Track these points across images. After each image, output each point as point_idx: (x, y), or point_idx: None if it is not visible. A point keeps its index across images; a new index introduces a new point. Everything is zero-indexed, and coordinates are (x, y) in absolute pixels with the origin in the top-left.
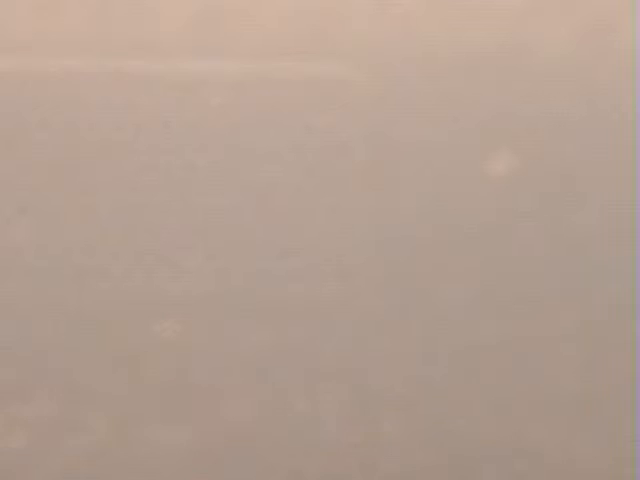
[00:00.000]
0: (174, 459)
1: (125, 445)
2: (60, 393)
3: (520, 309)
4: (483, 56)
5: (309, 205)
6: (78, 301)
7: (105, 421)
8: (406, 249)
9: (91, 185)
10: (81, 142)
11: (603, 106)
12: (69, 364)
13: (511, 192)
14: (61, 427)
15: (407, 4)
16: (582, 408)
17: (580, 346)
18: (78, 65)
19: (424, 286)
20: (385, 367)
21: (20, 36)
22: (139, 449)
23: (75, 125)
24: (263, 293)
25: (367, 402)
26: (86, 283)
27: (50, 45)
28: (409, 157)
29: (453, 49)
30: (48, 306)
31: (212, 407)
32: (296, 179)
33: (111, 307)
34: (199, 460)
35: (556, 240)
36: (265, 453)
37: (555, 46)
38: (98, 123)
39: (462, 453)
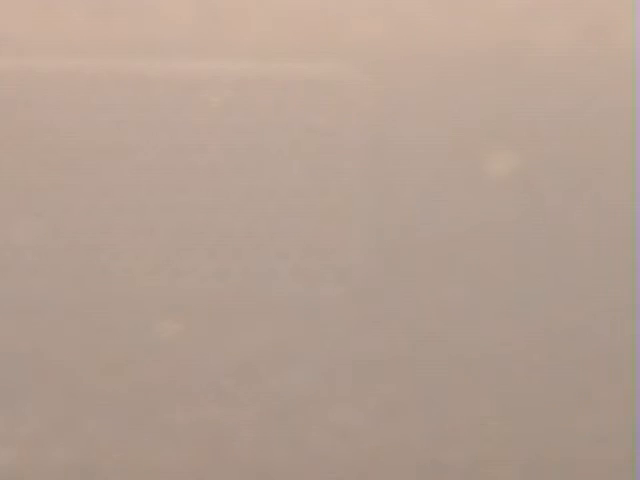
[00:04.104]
0: (174, 458)
1: (124, 444)
2: (60, 392)
3: (520, 308)
4: (483, 56)
5: (309, 205)
6: (78, 300)
7: (105, 420)
8: (406, 248)
9: (91, 184)
10: (81, 142)
11: (603, 106)
12: (69, 363)
13: (511, 191)
14: (61, 426)
15: (407, 5)
16: (582, 408)
17: (580, 347)
18: (78, 65)
19: (424, 285)
20: (385, 367)
21: (20, 36)
22: (138, 448)
23: (75, 125)
24: (263, 293)
25: (366, 401)
26: (86, 283)
27: (50, 45)
28: (409, 157)
29: (453, 49)
30: (48, 306)
31: (212, 406)
32: (296, 179)
33: (111, 307)
34: (199, 459)
35: (556, 239)
36: (264, 452)
37: (555, 46)
38: (98, 123)
39: (465, 452)
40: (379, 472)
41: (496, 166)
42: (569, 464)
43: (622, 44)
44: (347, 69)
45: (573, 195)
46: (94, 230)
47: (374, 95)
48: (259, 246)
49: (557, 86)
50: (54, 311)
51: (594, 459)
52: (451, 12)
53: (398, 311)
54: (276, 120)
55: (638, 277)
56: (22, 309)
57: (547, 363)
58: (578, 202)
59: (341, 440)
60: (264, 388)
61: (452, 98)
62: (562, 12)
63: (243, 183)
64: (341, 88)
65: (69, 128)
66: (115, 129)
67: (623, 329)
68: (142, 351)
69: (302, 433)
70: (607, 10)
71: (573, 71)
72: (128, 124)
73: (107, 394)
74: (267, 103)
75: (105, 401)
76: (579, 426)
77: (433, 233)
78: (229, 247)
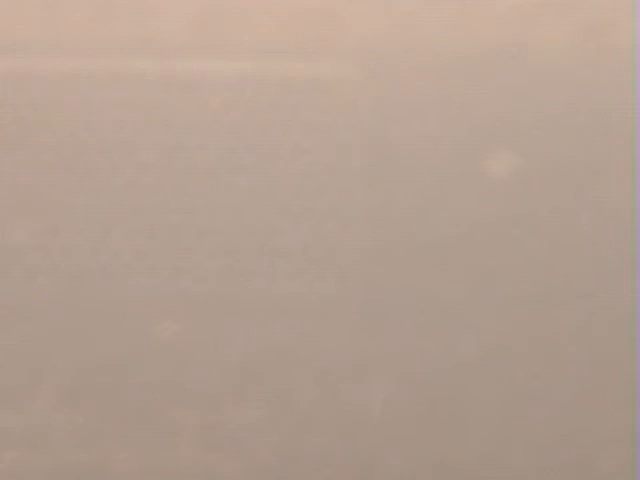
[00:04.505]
0: (174, 459)
1: (124, 446)
2: (60, 393)
3: (520, 309)
4: (483, 56)
5: (309, 205)
6: (78, 301)
7: (104, 421)
8: (406, 249)
9: (91, 185)
10: (81, 142)
11: (603, 106)
12: (69, 364)
13: (511, 192)
14: (60, 427)
15: (407, 4)
16: (582, 408)
17: (580, 347)
18: (78, 65)
19: (423, 286)
20: (384, 368)
21: (20, 36)
22: (138, 449)
23: (75, 125)
24: (263, 293)
25: (366, 403)
26: (86, 283)
27: (50, 45)
28: (409, 157)
29: (453, 49)
30: (48, 306)
31: (212, 407)
32: (296, 179)
33: (111, 307)
34: (199, 461)
35: (556, 240)
36: (265, 452)
37: (555, 46)
38: (98, 123)
39: (463, 454)
40: (379, 472)
41: (496, 166)
42: (569, 464)
43: (622, 44)
44: (347, 69)
45: (573, 195)
46: (94, 230)
47: (374, 95)
48: (259, 246)
49: (557, 86)
50: (53, 311)
51: (594, 460)
52: (451, 12)
53: (398, 311)
54: (276, 120)
55: (639, 277)
56: (21, 309)
57: (548, 363)
58: (578, 202)
59: (342, 440)
60: (265, 388)
61: (452, 98)
62: (562, 12)
63: (243, 183)
64: (341, 88)
65: (69, 128)
66: (115, 129)
67: (624, 330)
68: (142, 351)
69: (303, 433)
70: (607, 10)
71: (573, 71)
72: (128, 124)
73: (107, 394)
74: (267, 103)
75: (105, 401)
76: (579, 427)
77: (434, 233)
78: (229, 247)
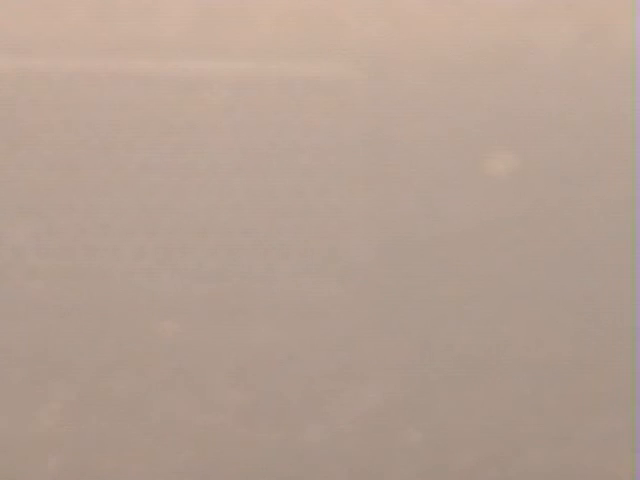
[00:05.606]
0: (173, 462)
1: (124, 447)
2: (59, 393)
3: (520, 309)
4: (483, 56)
5: (309, 205)
6: (78, 301)
7: (104, 422)
8: (406, 249)
9: (91, 185)
10: (81, 142)
11: (603, 106)
12: (68, 364)
13: (511, 192)
14: (59, 427)
15: (407, 4)
16: (582, 409)
17: (580, 347)
18: (78, 65)
19: (423, 286)
20: (384, 368)
21: (20, 36)
22: (137, 450)
23: (75, 125)
24: (263, 293)
25: (366, 404)
26: (86, 283)
27: (50, 45)
28: (409, 157)
29: (453, 49)
30: (47, 306)
31: (212, 407)
32: (296, 179)
33: (111, 307)
34: (198, 464)
35: (556, 241)
36: (265, 454)
37: (555, 46)
38: (98, 123)
39: (463, 454)
40: (379, 473)
41: (496, 166)
42: (569, 465)
43: (622, 44)
44: (347, 69)
45: (573, 195)
46: (94, 230)
47: (374, 95)
48: (259, 246)
49: (557, 86)
50: (52, 311)
51: (594, 460)
52: (451, 12)
53: (399, 311)
54: (276, 120)
55: (639, 278)
56: (21, 308)
57: (548, 364)
58: (578, 202)
59: (343, 442)
60: (264, 388)
61: (452, 98)
62: (562, 12)
63: (243, 183)
64: (341, 88)
65: (69, 128)
66: (115, 129)
67: (624, 330)
68: (142, 351)
69: (303, 435)
70: (607, 10)
71: (573, 71)
72: (128, 124)
73: (106, 394)
74: (267, 103)
75: (104, 401)
76: (579, 427)
77: (435, 233)
78: (229, 247)
